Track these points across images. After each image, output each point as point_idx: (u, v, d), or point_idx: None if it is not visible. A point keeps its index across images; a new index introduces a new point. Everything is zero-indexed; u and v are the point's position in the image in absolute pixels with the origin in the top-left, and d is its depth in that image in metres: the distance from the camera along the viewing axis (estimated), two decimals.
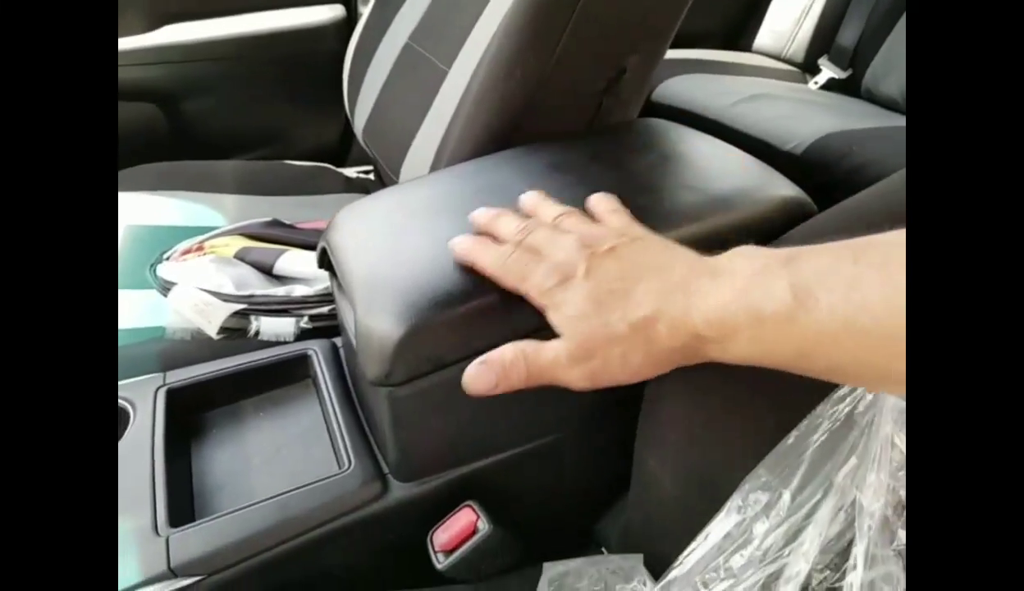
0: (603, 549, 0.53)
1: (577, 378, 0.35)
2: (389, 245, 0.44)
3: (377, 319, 0.39)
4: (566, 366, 0.35)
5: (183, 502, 0.46)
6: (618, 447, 0.48)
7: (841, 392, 0.38)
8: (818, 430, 0.38)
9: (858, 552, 0.36)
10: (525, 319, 0.39)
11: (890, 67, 1.05)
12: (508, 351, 0.36)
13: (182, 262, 0.69)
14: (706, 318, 0.32)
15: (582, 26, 0.54)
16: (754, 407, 0.41)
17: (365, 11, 0.89)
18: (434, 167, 0.65)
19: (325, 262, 0.51)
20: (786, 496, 0.38)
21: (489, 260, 0.39)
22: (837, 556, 0.38)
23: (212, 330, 0.60)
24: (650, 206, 0.45)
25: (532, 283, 0.37)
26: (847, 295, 0.27)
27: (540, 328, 0.41)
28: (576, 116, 0.59)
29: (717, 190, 0.48)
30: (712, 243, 0.37)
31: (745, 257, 0.33)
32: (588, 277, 0.35)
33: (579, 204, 0.42)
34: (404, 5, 0.81)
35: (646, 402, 0.46)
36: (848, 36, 1.10)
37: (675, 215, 0.45)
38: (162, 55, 0.97)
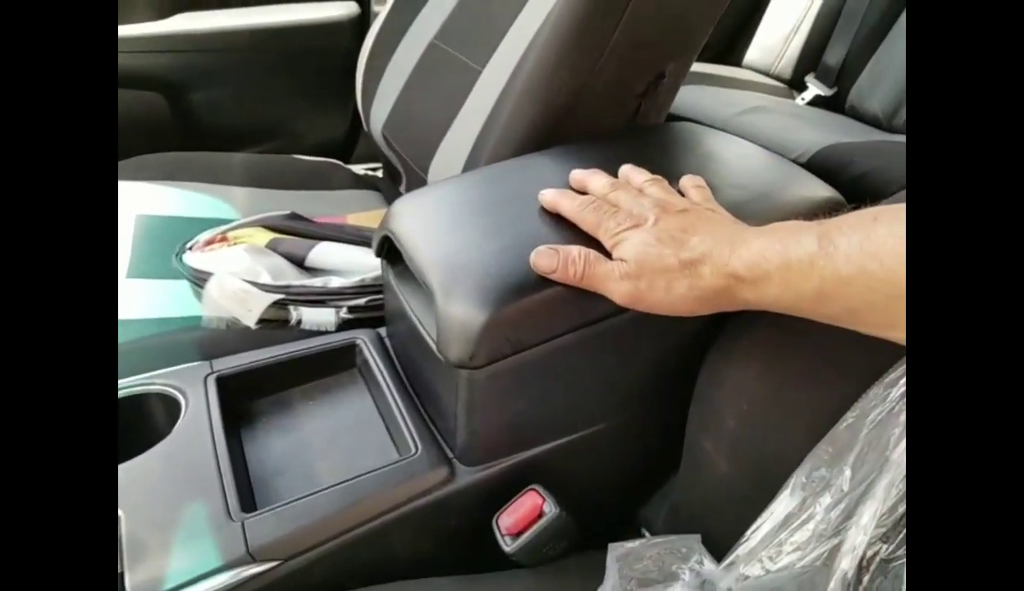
0: (644, 531, 0.55)
1: (622, 293, 0.39)
2: (459, 235, 0.46)
3: (460, 303, 0.41)
4: (617, 279, 0.39)
5: (246, 488, 0.46)
6: (667, 431, 0.51)
7: (892, 376, 0.41)
8: (873, 410, 0.41)
9: None
10: (598, 305, 0.42)
11: (874, 86, 1.11)
12: (576, 249, 0.41)
13: (209, 252, 0.68)
14: (744, 262, 0.36)
15: (630, 30, 0.56)
16: (810, 391, 0.43)
17: (382, 10, 0.90)
18: (470, 163, 0.66)
19: (384, 250, 0.51)
20: (847, 472, 0.41)
21: (571, 207, 0.44)
22: (891, 529, 0.40)
23: (251, 320, 0.60)
24: None
25: (605, 227, 0.42)
26: (862, 244, 0.32)
27: (612, 314, 0.43)
28: (616, 117, 0.61)
29: (763, 189, 0.51)
30: None
31: (790, 222, 0.37)
32: (656, 224, 0.40)
33: None
34: (426, 6, 0.82)
35: (700, 386, 0.48)
36: (834, 55, 1.16)
37: (731, 211, 0.48)
38: (172, 44, 0.96)
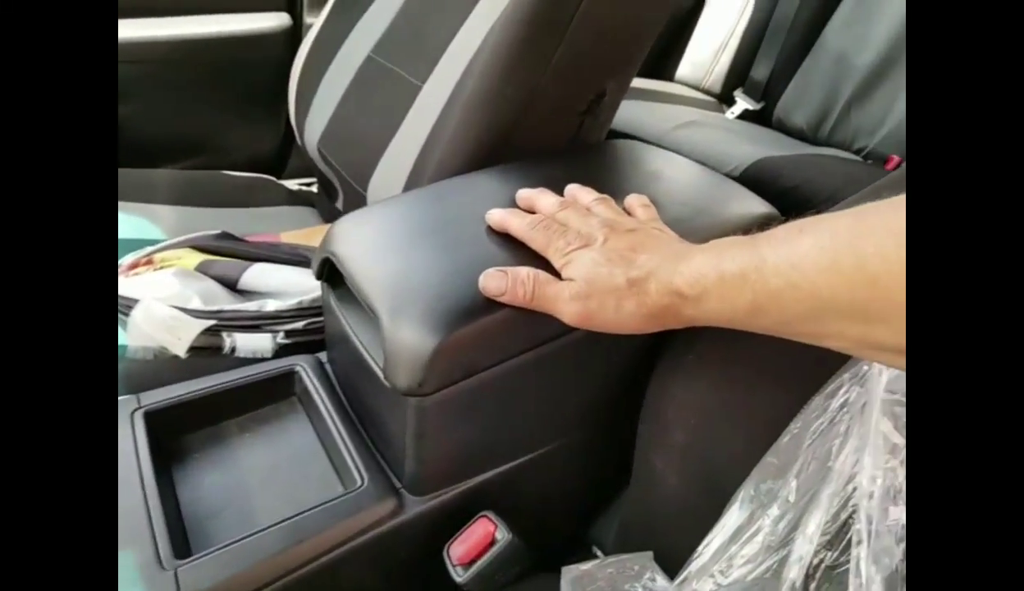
0: (596, 550, 0.55)
1: (572, 314, 0.39)
2: (404, 256, 0.44)
3: (408, 328, 0.39)
4: (567, 300, 0.39)
5: (178, 532, 0.43)
6: (617, 448, 0.51)
7: (832, 386, 0.42)
8: (815, 421, 0.42)
9: (861, 529, 0.39)
10: (549, 326, 0.41)
11: (798, 100, 1.16)
12: (524, 270, 0.41)
13: (133, 276, 0.64)
14: (685, 279, 0.37)
15: (571, 48, 0.56)
16: (756, 402, 0.44)
17: (316, 22, 0.87)
18: (412, 181, 0.65)
19: (325, 273, 0.49)
20: (792, 483, 0.42)
21: (520, 226, 0.44)
22: (835, 537, 0.41)
23: (182, 349, 0.56)
24: None
25: (555, 247, 0.42)
26: (788, 257, 0.32)
27: (563, 334, 0.43)
28: (559, 135, 0.61)
29: (703, 205, 0.52)
30: None
31: (728, 238, 0.38)
32: (604, 245, 0.40)
33: None
34: (362, 18, 0.80)
35: (648, 402, 0.48)
36: (761, 71, 1.20)
37: (673, 228, 0.48)
38: None
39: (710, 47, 1.27)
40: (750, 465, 0.42)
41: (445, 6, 0.68)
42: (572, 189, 0.48)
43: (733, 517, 0.42)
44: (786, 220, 0.54)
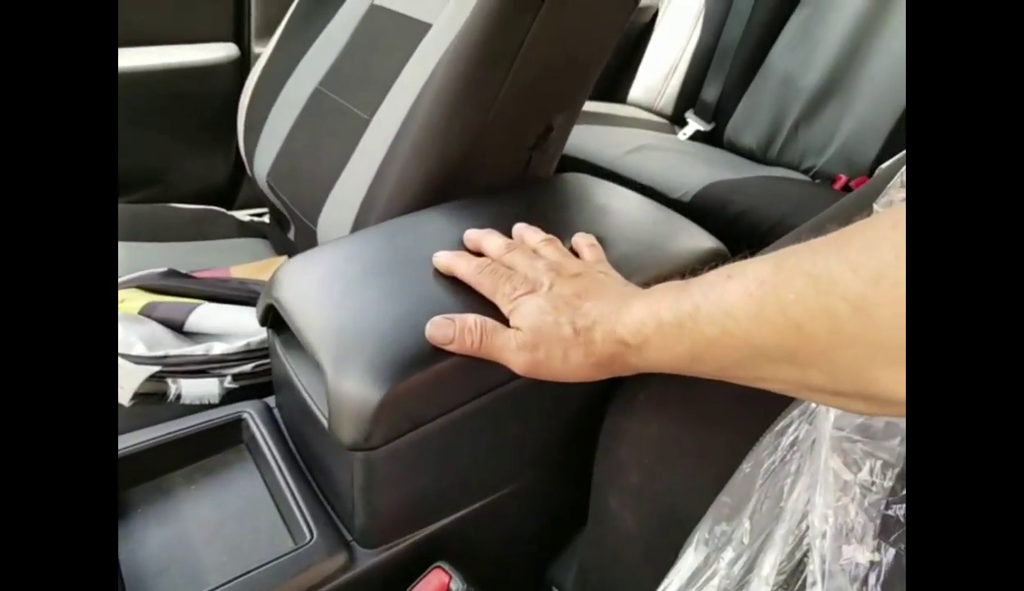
0: None
1: (520, 364, 0.39)
2: (350, 302, 0.44)
3: (352, 381, 0.39)
4: (514, 351, 0.39)
5: None
6: (573, 488, 0.50)
7: (782, 424, 0.43)
8: (768, 459, 0.43)
9: (815, 569, 0.40)
10: (497, 371, 0.41)
11: (747, 121, 1.19)
12: (472, 318, 0.40)
13: None
14: (627, 328, 0.37)
15: (516, 84, 0.57)
16: (708, 442, 0.44)
17: (264, 52, 0.86)
18: (362, 216, 0.64)
19: (270, 319, 0.48)
20: (746, 524, 0.42)
21: (468, 270, 0.44)
22: (790, 576, 0.42)
23: (125, 397, 0.54)
24: None
25: (502, 292, 0.41)
26: (719, 304, 0.33)
27: (512, 379, 0.42)
28: (508, 170, 0.61)
29: (650, 241, 0.53)
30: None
31: (666, 284, 0.38)
32: (550, 290, 0.40)
33: None
34: (310, 50, 0.79)
35: (603, 441, 0.48)
36: (710, 93, 1.23)
37: (622, 265, 0.48)
38: None
39: (661, 70, 1.30)
40: (706, 505, 0.42)
41: (390, 42, 0.68)
42: (519, 229, 0.48)
43: (689, 560, 0.42)
44: (732, 254, 0.55)
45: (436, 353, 0.40)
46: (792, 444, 0.42)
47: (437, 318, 0.40)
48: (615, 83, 1.34)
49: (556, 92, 0.61)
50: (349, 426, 0.38)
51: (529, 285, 0.41)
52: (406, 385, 0.39)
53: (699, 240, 0.54)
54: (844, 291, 0.27)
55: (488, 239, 0.47)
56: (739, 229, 0.84)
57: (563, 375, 0.39)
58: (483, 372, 0.41)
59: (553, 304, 0.39)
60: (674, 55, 1.28)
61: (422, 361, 0.40)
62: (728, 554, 0.41)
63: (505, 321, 0.41)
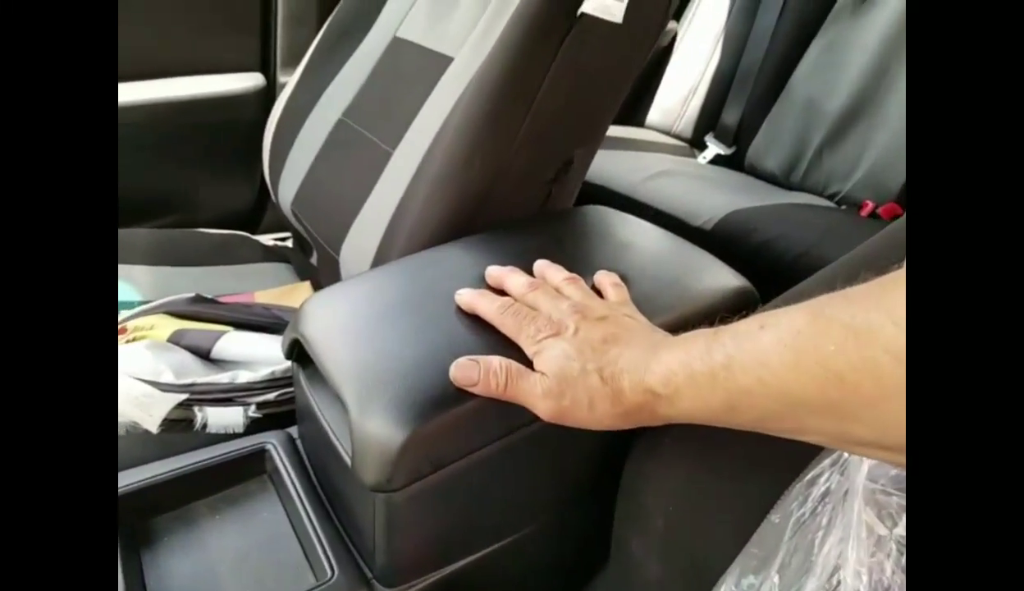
0: None
1: (546, 410, 0.39)
2: (374, 340, 0.44)
3: (376, 422, 0.39)
4: (540, 396, 0.39)
5: None
6: (595, 525, 0.50)
7: (813, 473, 0.42)
8: (798, 510, 0.42)
9: None
10: (521, 415, 0.41)
11: (769, 145, 1.18)
12: (497, 361, 0.40)
13: None
14: (658, 377, 0.36)
15: (537, 120, 0.57)
16: (738, 489, 0.43)
17: (289, 82, 0.88)
18: (384, 247, 0.65)
19: (295, 353, 0.49)
20: (775, 578, 0.41)
21: (490, 310, 0.44)
22: None
23: (153, 425, 0.56)
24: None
25: (526, 333, 0.41)
26: (753, 354, 0.32)
27: (536, 421, 0.43)
28: (528, 204, 0.62)
29: (674, 279, 0.53)
30: (674, 330, 0.41)
31: (695, 332, 0.38)
32: (576, 334, 0.40)
33: None
34: (334, 81, 0.81)
35: (625, 484, 0.48)
36: (731, 116, 1.23)
37: (643, 304, 0.48)
38: None
39: (679, 93, 1.30)
40: (732, 554, 0.41)
41: (412, 75, 0.69)
42: (541, 267, 0.49)
43: None
44: (758, 287, 0.54)
45: (459, 395, 0.40)
46: (824, 495, 0.41)
47: (462, 360, 0.41)
48: (633, 106, 1.34)
49: (577, 125, 0.61)
50: (372, 467, 0.39)
51: (554, 327, 0.41)
52: (430, 426, 0.39)
53: (725, 278, 0.54)
54: (886, 343, 0.26)
55: (510, 277, 0.47)
56: (764, 258, 0.84)
57: (589, 423, 0.39)
58: (505, 414, 0.41)
59: (579, 349, 0.39)
60: (693, 78, 1.28)
61: (445, 403, 0.40)
62: None
63: (529, 363, 0.41)
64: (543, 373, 0.39)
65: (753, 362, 0.32)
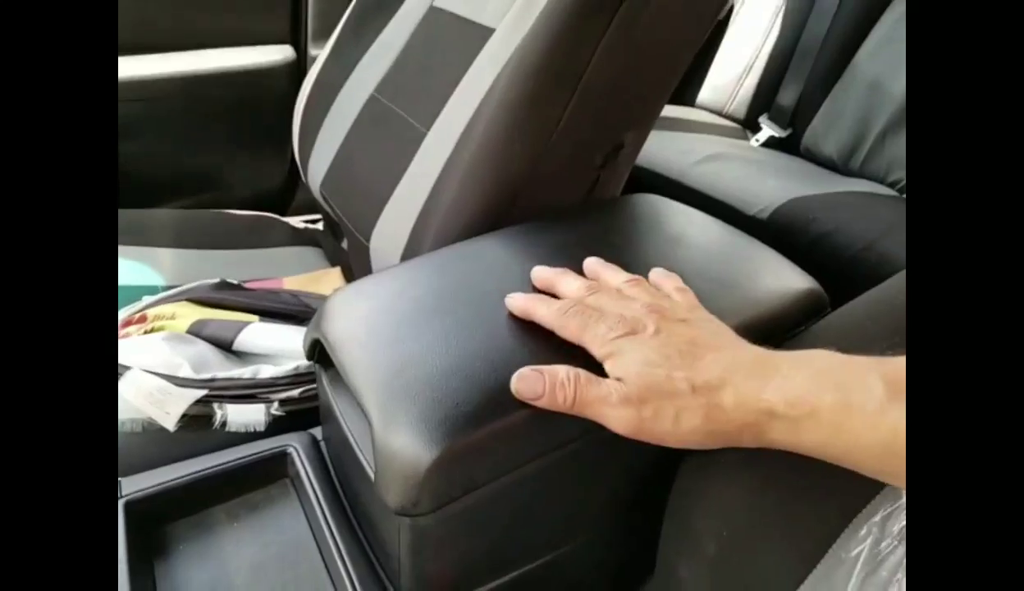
0: None
1: (622, 421, 0.34)
2: (402, 344, 0.40)
3: (402, 439, 0.35)
4: (615, 405, 0.34)
5: None
6: (637, 544, 0.46)
7: (892, 508, 0.37)
8: (870, 546, 0.37)
9: None
10: (565, 428, 0.37)
11: (828, 129, 1.10)
12: (564, 370, 0.35)
13: (123, 338, 0.61)
14: (786, 396, 0.31)
15: (585, 101, 0.52)
16: (798, 516, 0.39)
17: (320, 55, 0.84)
18: (416, 235, 0.61)
19: (316, 354, 0.46)
20: None
21: (548, 313, 0.38)
22: None
23: (170, 422, 0.53)
24: None
25: (595, 333, 0.36)
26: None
27: (580, 436, 0.38)
28: (573, 191, 0.57)
29: (735, 280, 0.47)
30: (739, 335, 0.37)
31: (820, 352, 0.33)
32: (657, 335, 0.35)
33: None
34: (366, 54, 0.76)
35: (673, 503, 0.43)
36: (787, 96, 1.15)
37: (709, 306, 0.43)
38: None
39: (733, 71, 1.22)
40: (793, 587, 0.37)
41: (449, 47, 0.64)
42: (595, 268, 0.43)
43: None
44: (831, 300, 0.49)
45: (494, 409, 0.36)
46: (901, 531, 0.36)
47: (525, 370, 0.35)
48: (683, 85, 1.27)
49: (628, 107, 0.56)
50: (396, 489, 0.35)
51: (628, 325, 0.36)
52: (461, 444, 0.35)
53: (790, 278, 0.48)
54: None
55: (564, 280, 0.41)
56: (822, 250, 0.77)
57: (670, 439, 0.34)
58: (551, 428, 0.37)
59: (662, 352, 0.34)
60: (749, 55, 1.20)
61: (479, 418, 0.36)
62: None
63: (597, 371, 0.36)
64: (619, 379, 0.34)
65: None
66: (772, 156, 1.11)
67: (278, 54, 0.97)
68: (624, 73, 0.53)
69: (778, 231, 0.80)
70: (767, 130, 1.17)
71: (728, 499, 0.41)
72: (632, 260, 0.47)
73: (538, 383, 0.35)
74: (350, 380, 0.39)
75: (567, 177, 0.56)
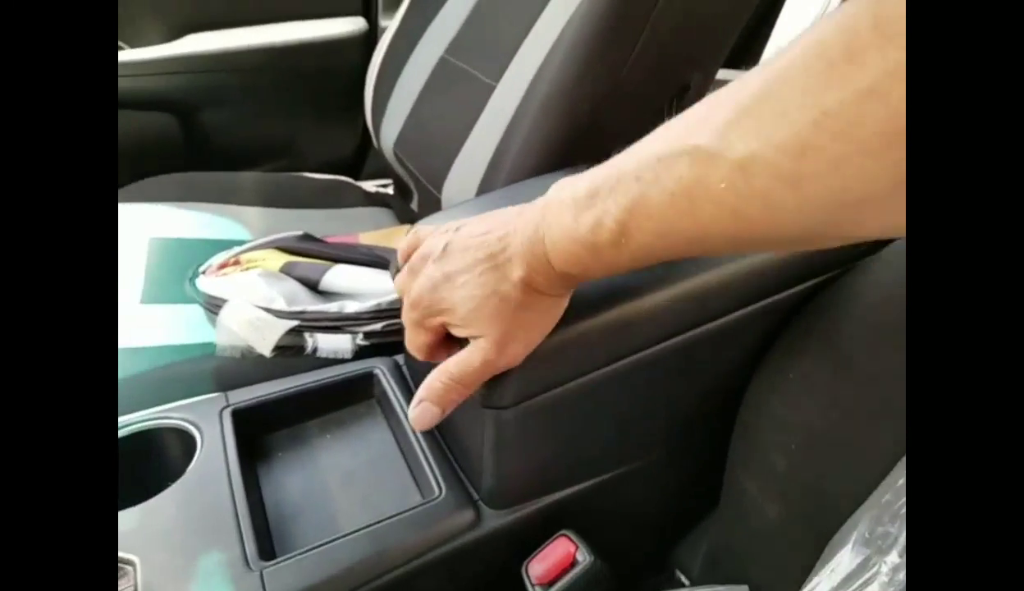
0: (680, 575, 0.53)
1: (513, 357, 0.35)
2: None
3: None
4: (497, 356, 0.34)
5: (264, 533, 0.44)
6: (705, 465, 0.48)
7: None
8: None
9: None
10: (637, 335, 0.39)
11: None
12: (436, 381, 0.36)
13: (222, 276, 0.66)
14: (597, 218, 0.29)
15: (652, 41, 0.54)
16: (867, 434, 0.40)
17: (390, 25, 0.88)
18: (486, 182, 0.64)
19: None
20: None
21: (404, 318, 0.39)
22: None
23: (267, 348, 0.58)
24: None
25: (418, 312, 0.36)
26: (646, 216, 0.28)
27: (652, 344, 0.40)
28: (639, 132, 0.58)
29: None
30: None
31: (559, 201, 0.32)
32: (442, 265, 0.34)
33: None
34: (436, 19, 0.80)
35: (742, 419, 0.45)
36: None
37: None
38: (182, 65, 0.94)
39: (798, 31, 1.20)
40: (861, 499, 0.38)
41: (517, 3, 0.67)
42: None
43: (844, 560, 0.38)
44: None
45: (573, 315, 0.39)
46: None
47: (412, 411, 0.37)
48: (746, 47, 1.26)
49: (694, 49, 0.57)
50: (483, 384, 0.38)
51: (428, 282, 0.35)
52: (540, 347, 0.38)
53: None
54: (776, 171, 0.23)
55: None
56: None
57: (551, 323, 0.35)
58: (624, 334, 0.40)
59: (467, 275, 0.33)
60: (815, 13, 1.18)
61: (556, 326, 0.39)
62: (892, 558, 0.37)
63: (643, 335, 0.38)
64: (479, 336, 0.34)
65: (648, 222, 0.28)
66: None
67: (351, 25, 1.01)
68: (692, 12, 0.54)
69: None
70: None
71: (798, 415, 0.42)
72: None
73: (431, 410, 0.36)
74: None
75: (634, 119, 0.58)
